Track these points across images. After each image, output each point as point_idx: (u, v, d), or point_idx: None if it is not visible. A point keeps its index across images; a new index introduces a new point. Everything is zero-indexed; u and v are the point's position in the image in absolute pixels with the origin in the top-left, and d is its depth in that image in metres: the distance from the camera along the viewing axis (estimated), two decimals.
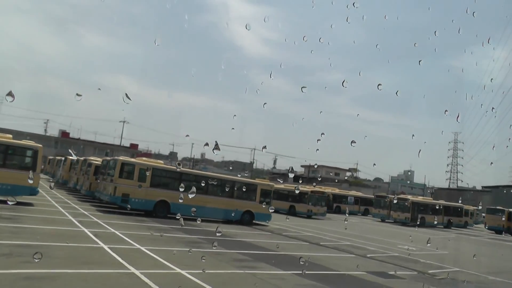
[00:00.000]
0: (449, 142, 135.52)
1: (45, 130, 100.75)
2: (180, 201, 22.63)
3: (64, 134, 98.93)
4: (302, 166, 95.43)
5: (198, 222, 22.99)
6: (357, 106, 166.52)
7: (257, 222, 27.66)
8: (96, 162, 31.45)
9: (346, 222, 40.70)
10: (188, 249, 15.30)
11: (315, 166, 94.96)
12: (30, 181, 21.92)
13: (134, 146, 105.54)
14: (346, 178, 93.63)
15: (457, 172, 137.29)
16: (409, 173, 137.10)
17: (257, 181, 30.40)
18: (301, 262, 12.29)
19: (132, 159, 26.01)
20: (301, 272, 12.61)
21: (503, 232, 47.68)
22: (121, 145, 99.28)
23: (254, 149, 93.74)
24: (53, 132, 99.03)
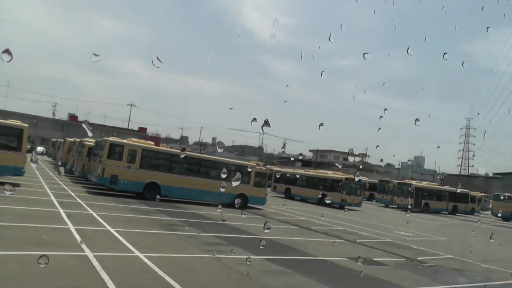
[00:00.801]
0: (461, 128, 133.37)
1: (53, 114, 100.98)
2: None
3: (73, 117, 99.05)
4: (310, 150, 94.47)
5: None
6: (372, 92, 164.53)
7: (251, 205, 26.91)
8: (90, 144, 30.84)
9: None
10: (163, 232, 14.62)
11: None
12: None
13: (142, 130, 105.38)
14: (353, 163, 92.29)
15: (468, 159, 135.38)
16: (420, 159, 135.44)
17: (252, 163, 29.63)
18: (260, 247, 11.40)
19: (121, 140, 25.29)
20: (273, 257, 11.87)
21: (510, 220, 46.45)
22: (129, 128, 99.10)
23: (263, 133, 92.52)
24: (63, 115, 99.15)
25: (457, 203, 49.15)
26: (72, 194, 22.09)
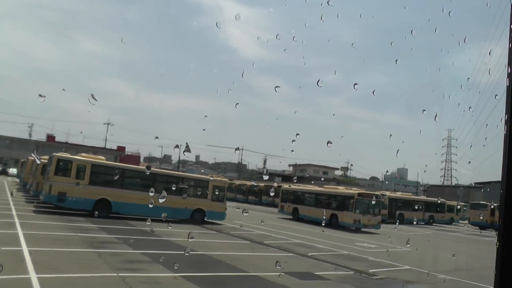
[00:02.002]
0: (443, 139, 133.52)
1: (30, 134, 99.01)
2: (151, 204, 21.14)
3: (50, 138, 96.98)
4: (290, 165, 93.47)
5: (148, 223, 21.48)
6: (352, 106, 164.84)
7: (210, 220, 25.59)
8: (44, 161, 29.39)
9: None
10: (86, 250, 13.31)
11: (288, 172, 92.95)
12: None
13: (121, 149, 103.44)
14: (332, 177, 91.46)
15: (451, 169, 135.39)
16: (403, 171, 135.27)
17: (209, 177, 28.40)
18: (175, 267, 10.22)
19: (69, 155, 23.94)
20: (195, 274, 10.66)
21: (487, 228, 45.55)
22: (105, 147, 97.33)
23: (242, 149, 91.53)
24: (41, 136, 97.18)
25: (434, 213, 48.15)
26: (14, 213, 20.68)
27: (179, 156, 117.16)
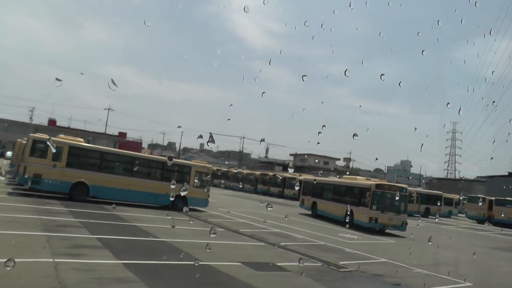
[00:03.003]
0: (447, 132, 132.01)
1: (31, 118, 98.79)
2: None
3: (51, 122, 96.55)
4: (290, 154, 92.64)
5: (113, 207, 20.82)
6: (359, 97, 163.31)
7: (192, 207, 24.90)
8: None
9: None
10: (36, 233, 12.62)
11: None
12: None
13: (122, 135, 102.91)
14: (332, 168, 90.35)
15: (455, 163, 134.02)
16: (406, 163, 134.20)
17: (192, 162, 27.65)
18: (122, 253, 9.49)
19: (46, 136, 23.26)
20: (139, 262, 9.97)
21: (485, 222, 44.61)
22: (106, 132, 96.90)
23: (243, 137, 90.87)
24: (43, 120, 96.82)
25: (430, 205, 47.26)
26: None
27: (180, 144, 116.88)
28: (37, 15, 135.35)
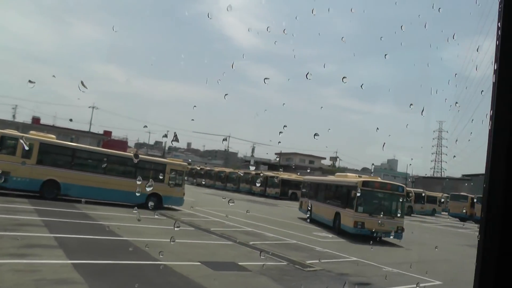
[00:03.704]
0: (434, 131, 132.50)
1: (13, 116, 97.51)
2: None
3: (35, 120, 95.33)
4: (276, 153, 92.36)
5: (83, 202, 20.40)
6: (346, 97, 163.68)
7: (167, 206, 24.48)
8: None
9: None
10: None
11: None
12: None
13: (107, 133, 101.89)
14: (320, 167, 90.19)
15: (441, 161, 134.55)
16: (393, 162, 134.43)
17: (167, 160, 27.21)
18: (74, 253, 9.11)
19: (16, 132, 22.72)
20: (92, 261, 9.58)
21: (467, 220, 44.65)
22: (90, 131, 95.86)
23: (229, 136, 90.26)
24: (27, 118, 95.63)
25: (413, 203, 47.17)
26: None
27: (166, 143, 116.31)
28: (24, 12, 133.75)
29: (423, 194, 49.50)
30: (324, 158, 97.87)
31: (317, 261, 13.67)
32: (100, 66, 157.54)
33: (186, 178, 25.91)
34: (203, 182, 63.17)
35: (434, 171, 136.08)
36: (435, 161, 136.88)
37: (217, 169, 66.53)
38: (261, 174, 56.73)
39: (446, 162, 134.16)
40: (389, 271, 13.73)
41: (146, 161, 25.49)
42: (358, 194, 20.20)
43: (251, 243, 15.65)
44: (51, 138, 23.25)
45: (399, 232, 20.30)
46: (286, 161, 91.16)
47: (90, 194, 22.52)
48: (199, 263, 11.07)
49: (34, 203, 19.21)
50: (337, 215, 22.10)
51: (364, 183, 20.83)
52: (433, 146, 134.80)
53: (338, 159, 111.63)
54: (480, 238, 1.39)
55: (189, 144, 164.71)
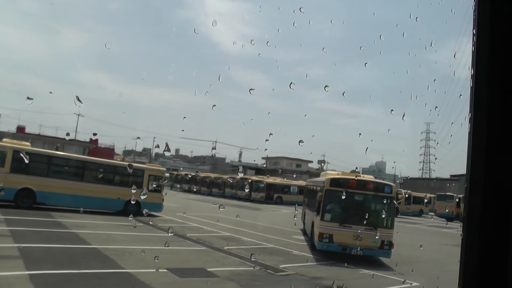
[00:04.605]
0: (421, 133, 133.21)
1: None
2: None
3: (20, 129, 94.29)
4: (263, 158, 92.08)
5: None
6: (335, 100, 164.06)
7: (145, 214, 24.04)
8: None
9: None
10: None
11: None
12: None
13: (93, 141, 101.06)
14: (301, 170, 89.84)
15: (429, 162, 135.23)
16: (381, 164, 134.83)
17: (145, 165, 26.82)
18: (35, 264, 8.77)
19: None
20: (52, 271, 9.23)
21: (453, 220, 44.64)
22: (76, 139, 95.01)
23: (215, 141, 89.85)
24: (12, 127, 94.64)
25: (399, 204, 47.09)
26: None
27: (153, 150, 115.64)
28: (10, 20, 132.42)
29: (410, 195, 49.48)
30: (311, 162, 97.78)
31: (293, 265, 13.44)
32: (87, 73, 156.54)
33: (177, 184, 25.51)
34: (182, 187, 63.18)
35: (422, 172, 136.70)
36: (423, 162, 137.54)
37: (202, 174, 66.14)
38: (245, 179, 56.64)
39: (434, 163, 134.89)
40: (366, 273, 13.52)
41: (124, 167, 25.10)
42: (325, 197, 15.24)
43: (225, 248, 15.35)
44: (26, 145, 22.81)
45: (385, 249, 15.02)
46: (273, 165, 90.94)
47: (67, 202, 22.08)
48: (166, 270, 10.74)
49: (6, 212, 18.78)
50: (313, 225, 17.28)
51: (333, 182, 15.54)
52: (421, 147, 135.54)
53: (326, 162, 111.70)
54: (463, 237, 1.42)
55: (177, 151, 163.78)
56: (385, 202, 15.49)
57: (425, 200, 52.78)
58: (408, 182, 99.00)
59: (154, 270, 10.80)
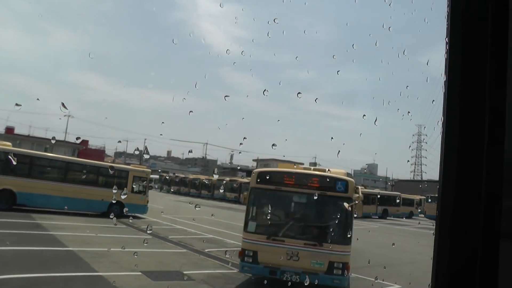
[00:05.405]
0: (413, 135, 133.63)
1: None
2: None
3: (9, 130, 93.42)
4: (253, 160, 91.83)
5: None
6: (326, 103, 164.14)
7: (130, 214, 23.74)
8: None
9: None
10: None
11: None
12: None
13: (83, 142, 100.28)
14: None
15: (421, 164, 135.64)
16: (372, 166, 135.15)
17: (130, 167, 26.50)
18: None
19: None
20: (18, 275, 8.92)
21: None
22: (65, 140, 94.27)
23: (206, 143, 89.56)
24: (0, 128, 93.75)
25: (388, 206, 46.96)
26: None
27: (143, 153, 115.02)
28: (0, 20, 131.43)
29: (399, 197, 49.41)
30: (303, 164, 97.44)
31: None
32: (79, 74, 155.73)
33: (166, 186, 25.20)
34: (172, 190, 63.36)
35: (414, 174, 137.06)
36: (415, 164, 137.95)
37: (191, 176, 65.90)
38: (234, 181, 56.54)
39: (426, 165, 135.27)
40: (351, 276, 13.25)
41: (108, 168, 24.77)
42: (250, 198, 11.10)
43: (206, 250, 15.09)
44: (7, 145, 22.39)
45: (335, 274, 10.11)
46: (264, 167, 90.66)
47: (49, 203, 21.71)
48: (140, 273, 10.47)
49: None
50: None
51: (261, 177, 10.94)
52: (412, 149, 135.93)
53: (317, 164, 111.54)
54: (435, 236, 1.43)
55: (169, 153, 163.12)
56: (337, 204, 10.62)
57: (424, 201, 52.67)
58: (400, 184, 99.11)
59: (128, 272, 10.54)
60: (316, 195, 10.32)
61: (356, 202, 10.63)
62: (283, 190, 10.71)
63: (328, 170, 12.37)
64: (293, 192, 10.86)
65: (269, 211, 11.07)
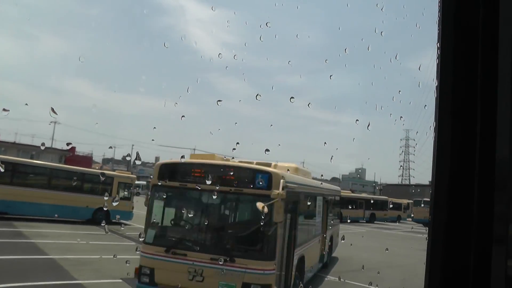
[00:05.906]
0: (401, 140, 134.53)
1: None
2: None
3: None
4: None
5: None
6: (316, 108, 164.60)
7: (116, 221, 23.46)
8: None
9: None
10: None
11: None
12: None
13: (71, 150, 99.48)
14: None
15: (409, 169, 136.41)
16: (361, 171, 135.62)
17: (115, 173, 26.22)
18: None
19: None
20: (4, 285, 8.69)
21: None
22: (52, 147, 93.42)
23: (194, 149, 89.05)
24: None
25: (375, 211, 47.03)
26: None
27: (131, 159, 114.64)
28: None
29: (386, 201, 49.55)
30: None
31: None
32: (67, 80, 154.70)
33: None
34: None
35: (402, 179, 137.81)
36: (403, 168, 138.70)
37: None
38: None
39: (413, 169, 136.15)
40: (331, 280, 13.24)
41: (92, 174, 24.50)
42: (151, 199, 8.96)
43: None
44: None
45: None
46: None
47: (32, 211, 21.34)
48: (120, 281, 10.27)
49: None
50: None
51: (164, 171, 8.91)
52: (400, 154, 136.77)
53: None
54: (428, 242, 1.45)
55: (157, 159, 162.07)
56: (257, 206, 7.47)
57: (411, 205, 52.82)
58: (388, 189, 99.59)
59: (109, 280, 10.35)
60: (230, 193, 8.30)
61: (276, 200, 7.54)
62: (189, 187, 8.52)
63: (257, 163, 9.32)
64: (202, 190, 8.30)
65: (173, 216, 9.09)
